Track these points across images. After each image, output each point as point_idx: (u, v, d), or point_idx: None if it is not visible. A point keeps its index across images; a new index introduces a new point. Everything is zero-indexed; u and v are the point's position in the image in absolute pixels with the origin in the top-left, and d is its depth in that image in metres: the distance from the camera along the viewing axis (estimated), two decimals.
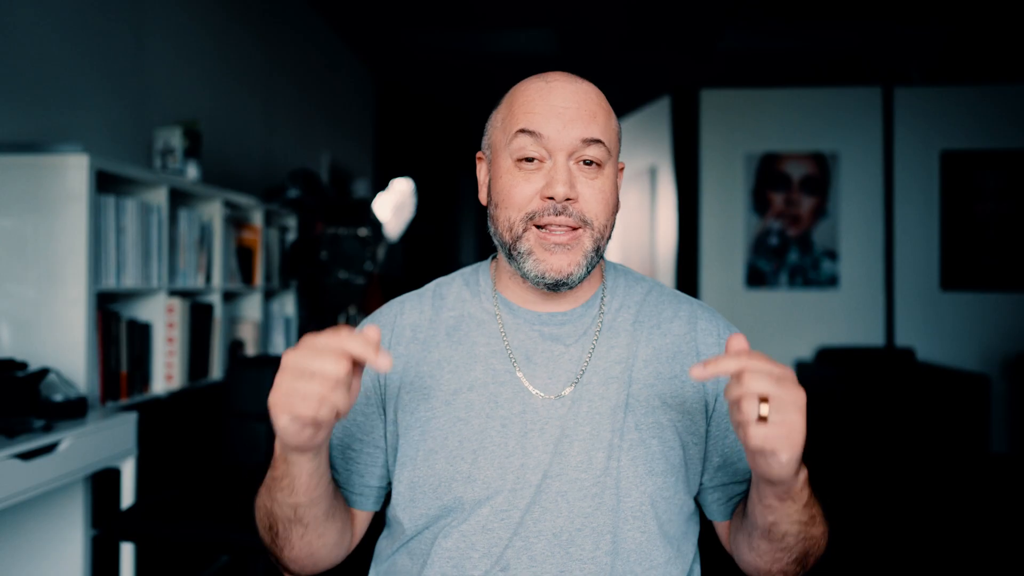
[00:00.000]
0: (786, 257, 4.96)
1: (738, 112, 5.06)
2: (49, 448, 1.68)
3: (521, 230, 0.88)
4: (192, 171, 2.61)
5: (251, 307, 3.15)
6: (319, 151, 4.76)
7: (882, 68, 5.50)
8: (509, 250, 0.90)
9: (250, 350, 3.07)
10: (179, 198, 2.58)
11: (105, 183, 2.14)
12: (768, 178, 5.00)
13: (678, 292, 1.01)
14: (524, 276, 0.90)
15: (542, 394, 0.89)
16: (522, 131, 0.88)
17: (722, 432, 0.93)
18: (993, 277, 4.88)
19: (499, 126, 0.93)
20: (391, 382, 0.93)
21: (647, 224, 5.77)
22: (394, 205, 4.81)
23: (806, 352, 4.90)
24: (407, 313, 0.98)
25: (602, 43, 5.25)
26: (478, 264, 1.02)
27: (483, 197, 0.97)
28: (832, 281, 4.93)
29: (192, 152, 2.64)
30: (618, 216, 0.94)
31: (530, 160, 0.88)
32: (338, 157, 5.09)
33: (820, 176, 4.97)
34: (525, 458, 0.87)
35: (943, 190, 4.93)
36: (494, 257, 1.00)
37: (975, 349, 4.88)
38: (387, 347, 0.95)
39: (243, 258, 3.03)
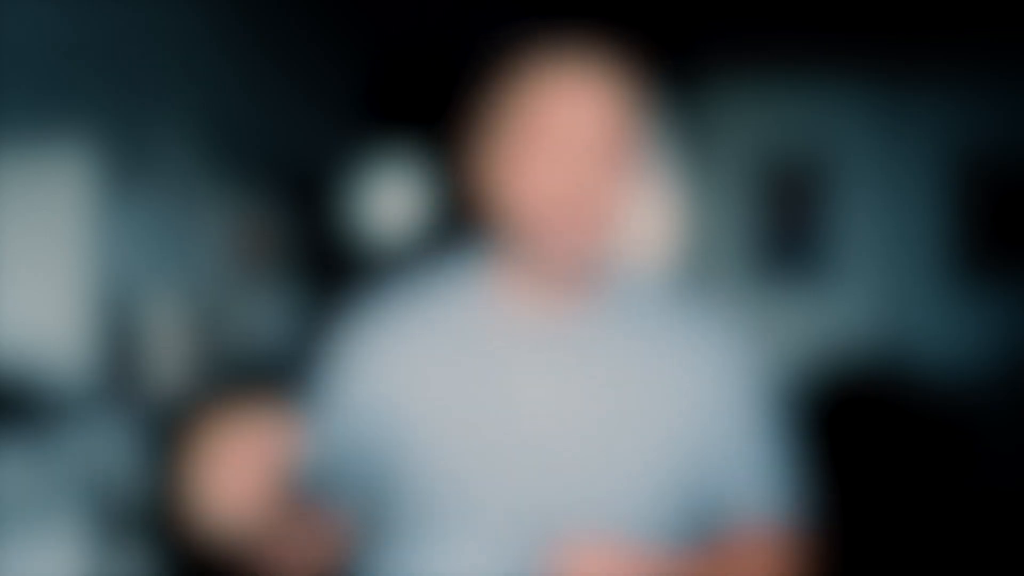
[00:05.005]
0: (787, 256, 4.95)
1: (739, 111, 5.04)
2: (48, 448, 1.69)
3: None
4: None
5: (251, 307, 3.15)
6: None
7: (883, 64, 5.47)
8: (501, 240, 0.86)
9: None
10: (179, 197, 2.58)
11: (105, 183, 2.14)
12: (770, 176, 4.99)
13: (680, 291, 0.96)
14: (517, 267, 0.86)
15: (538, 413, 0.85)
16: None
17: (715, 454, 0.89)
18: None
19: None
20: (380, 408, 0.88)
21: (646, 223, 5.75)
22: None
23: (806, 352, 4.89)
24: (393, 321, 0.91)
25: None
26: (467, 256, 0.94)
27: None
28: (831, 280, 4.92)
29: None
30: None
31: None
32: None
33: (820, 175, 4.96)
34: (524, 484, 0.84)
35: (944, 189, 4.92)
36: (485, 249, 0.93)
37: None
38: (367, 367, 0.89)
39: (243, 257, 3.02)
